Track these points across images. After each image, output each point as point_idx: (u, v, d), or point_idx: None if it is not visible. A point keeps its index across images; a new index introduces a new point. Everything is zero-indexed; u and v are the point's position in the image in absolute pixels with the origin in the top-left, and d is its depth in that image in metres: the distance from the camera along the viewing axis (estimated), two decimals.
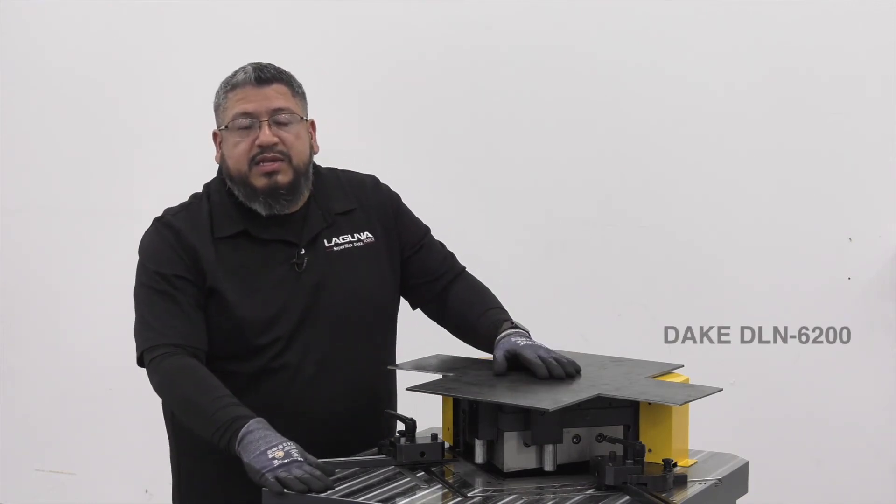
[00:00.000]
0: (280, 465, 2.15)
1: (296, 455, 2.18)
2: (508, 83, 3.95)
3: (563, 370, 2.36)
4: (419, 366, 2.53)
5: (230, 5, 4.07)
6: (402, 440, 2.31)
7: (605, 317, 3.92)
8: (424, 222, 2.74)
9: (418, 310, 2.75)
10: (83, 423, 4.19)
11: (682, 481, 2.19)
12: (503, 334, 2.51)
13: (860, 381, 3.86)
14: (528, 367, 2.38)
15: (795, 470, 3.88)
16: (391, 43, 4.00)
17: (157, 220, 2.57)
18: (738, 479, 2.34)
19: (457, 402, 2.40)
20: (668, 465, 2.17)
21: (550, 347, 2.46)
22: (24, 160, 4.21)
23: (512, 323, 2.57)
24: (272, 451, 2.19)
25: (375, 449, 2.36)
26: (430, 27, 3.98)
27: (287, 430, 2.29)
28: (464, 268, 2.74)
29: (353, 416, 2.51)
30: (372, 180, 2.70)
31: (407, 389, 2.37)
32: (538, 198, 3.96)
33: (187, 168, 4.03)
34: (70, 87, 4.17)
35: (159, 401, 4.06)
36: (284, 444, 2.20)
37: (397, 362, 2.59)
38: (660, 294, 3.90)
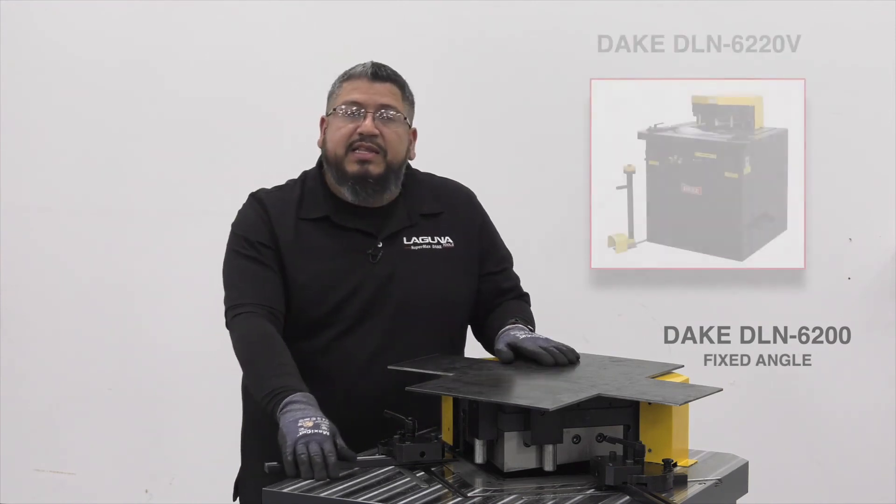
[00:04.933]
0: (303, 435, 2.22)
1: (323, 429, 2.24)
2: (502, 83, 3.96)
3: (566, 357, 2.48)
4: (419, 366, 2.53)
5: (248, 4, 4.07)
6: (402, 440, 2.31)
7: (605, 317, 3.92)
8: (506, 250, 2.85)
9: None
10: (83, 423, 4.19)
11: (682, 481, 2.19)
12: (504, 329, 2.61)
13: (860, 381, 3.86)
14: (533, 357, 2.48)
15: (795, 470, 3.88)
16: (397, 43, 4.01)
17: (251, 194, 2.69)
18: (738, 479, 2.33)
19: (457, 402, 2.40)
20: (668, 465, 2.17)
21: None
22: (24, 158, 4.20)
23: (516, 320, 2.64)
24: (303, 420, 2.26)
25: (375, 449, 2.36)
26: (431, 29, 3.99)
27: (338, 411, 2.37)
28: (519, 294, 2.80)
29: (403, 408, 2.48)
30: (467, 193, 2.80)
31: (407, 389, 2.37)
32: (538, 197, 3.97)
33: (195, 169, 4.08)
34: (82, 85, 4.15)
35: (159, 401, 4.12)
36: (316, 418, 2.27)
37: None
38: (660, 294, 3.90)
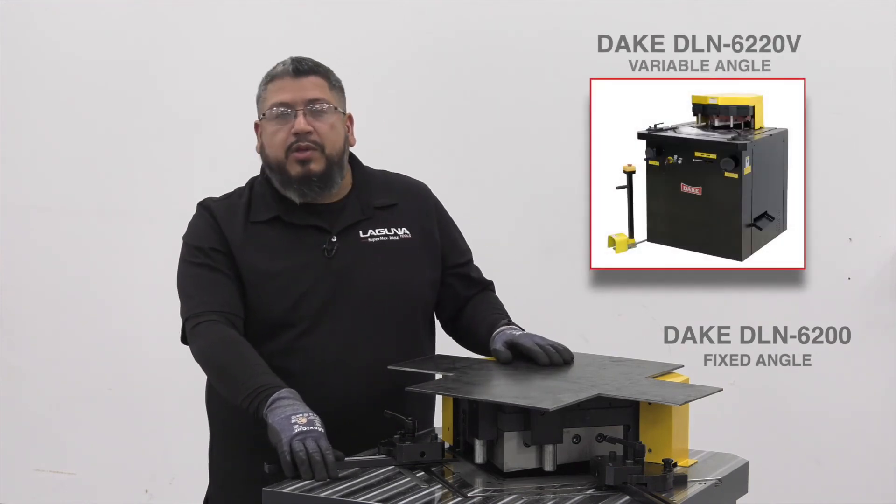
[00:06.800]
0: (299, 432, 2.22)
1: (317, 426, 2.24)
2: (502, 82, 3.96)
3: (560, 357, 2.48)
4: (419, 366, 2.53)
5: (248, 4, 4.07)
6: (402, 440, 2.31)
7: (604, 317, 3.92)
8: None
9: None
10: (83, 423, 4.19)
11: (682, 481, 2.19)
12: (499, 329, 2.61)
13: (860, 381, 3.86)
14: (529, 355, 2.49)
15: (795, 470, 3.88)
16: (391, 40, 4.01)
17: (199, 204, 2.68)
18: (738, 479, 2.34)
19: (457, 402, 2.40)
20: (668, 465, 2.17)
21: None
22: (24, 158, 4.21)
23: (508, 321, 2.66)
24: (296, 416, 2.26)
25: (375, 449, 2.36)
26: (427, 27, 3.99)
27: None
28: (487, 285, 2.80)
29: (373, 404, 2.52)
30: (421, 186, 2.78)
31: (407, 389, 2.38)
32: (538, 197, 3.96)
33: (193, 169, 4.08)
34: (81, 85, 4.16)
35: (160, 401, 4.12)
36: (309, 414, 2.27)
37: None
38: (660, 294, 3.90)
